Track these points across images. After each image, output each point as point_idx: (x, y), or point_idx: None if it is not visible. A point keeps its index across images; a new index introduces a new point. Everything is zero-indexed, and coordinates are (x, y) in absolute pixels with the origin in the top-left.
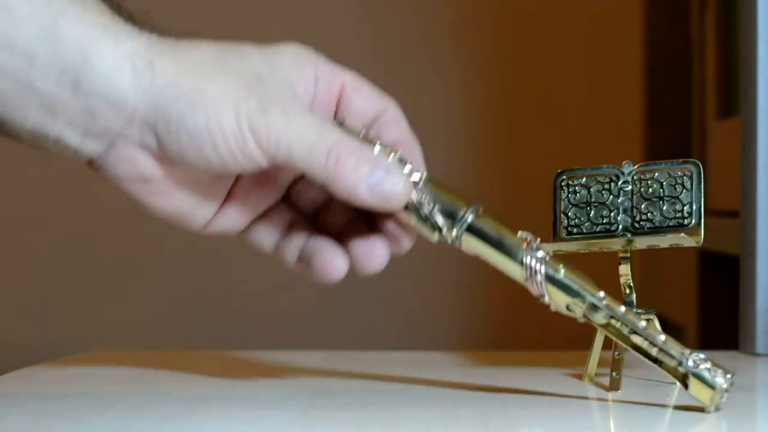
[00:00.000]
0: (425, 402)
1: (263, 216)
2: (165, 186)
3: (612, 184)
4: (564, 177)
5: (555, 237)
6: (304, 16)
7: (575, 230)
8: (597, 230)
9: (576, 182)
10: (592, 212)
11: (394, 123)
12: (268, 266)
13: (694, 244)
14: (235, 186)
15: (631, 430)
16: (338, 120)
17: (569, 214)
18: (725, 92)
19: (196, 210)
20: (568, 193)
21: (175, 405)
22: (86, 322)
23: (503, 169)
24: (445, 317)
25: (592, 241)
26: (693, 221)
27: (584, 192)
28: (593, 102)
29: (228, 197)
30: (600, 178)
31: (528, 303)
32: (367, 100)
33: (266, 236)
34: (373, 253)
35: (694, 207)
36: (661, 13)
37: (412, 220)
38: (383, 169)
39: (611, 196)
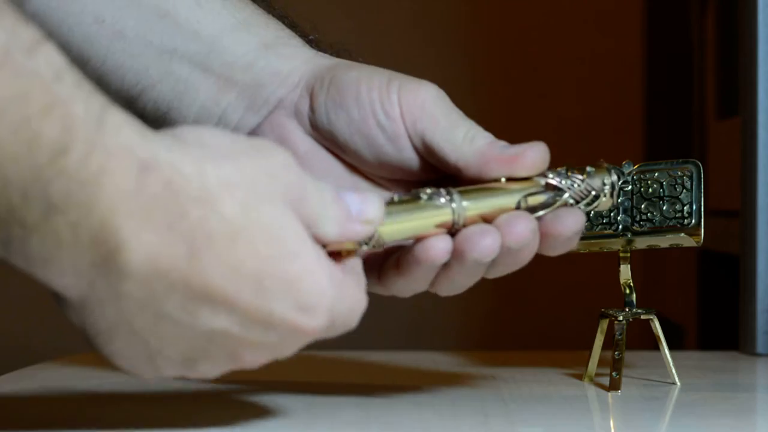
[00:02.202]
0: (425, 402)
1: None
2: (309, 168)
3: None
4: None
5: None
6: (304, 16)
7: None
8: (597, 230)
9: None
10: (592, 212)
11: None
12: None
13: (694, 244)
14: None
15: (631, 430)
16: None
17: None
18: (725, 92)
19: None
20: None
21: (175, 405)
22: None
23: None
24: (446, 317)
25: (592, 241)
26: (693, 221)
27: None
28: (593, 102)
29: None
30: None
31: (528, 303)
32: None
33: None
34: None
35: (694, 207)
36: (661, 13)
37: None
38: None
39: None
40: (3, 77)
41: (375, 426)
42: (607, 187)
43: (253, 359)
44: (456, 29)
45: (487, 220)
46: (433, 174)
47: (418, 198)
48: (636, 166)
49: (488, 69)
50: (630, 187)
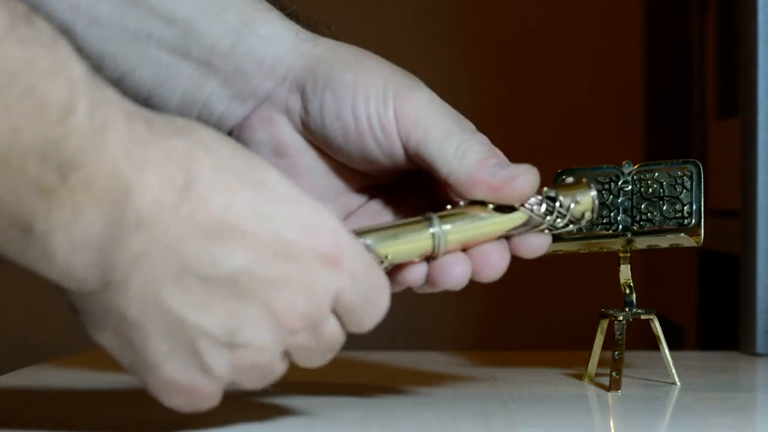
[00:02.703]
0: (425, 402)
1: None
2: (296, 167)
3: (612, 184)
4: (564, 177)
5: (555, 237)
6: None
7: (575, 230)
8: (597, 230)
9: None
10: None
11: None
12: None
13: (694, 244)
14: (355, 212)
15: (631, 430)
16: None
17: None
18: (725, 92)
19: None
20: None
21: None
22: None
23: None
24: (446, 317)
25: (592, 241)
26: (693, 221)
27: None
28: (593, 102)
29: (347, 219)
30: (600, 178)
31: (527, 303)
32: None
33: None
34: (491, 260)
35: (694, 207)
36: (661, 13)
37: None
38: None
39: (611, 196)
40: (9, 46)
41: (375, 426)
42: (585, 207)
43: (290, 305)
44: (456, 29)
45: (465, 247)
46: (421, 174)
47: (400, 225)
48: (636, 166)
49: (488, 69)
50: (630, 187)
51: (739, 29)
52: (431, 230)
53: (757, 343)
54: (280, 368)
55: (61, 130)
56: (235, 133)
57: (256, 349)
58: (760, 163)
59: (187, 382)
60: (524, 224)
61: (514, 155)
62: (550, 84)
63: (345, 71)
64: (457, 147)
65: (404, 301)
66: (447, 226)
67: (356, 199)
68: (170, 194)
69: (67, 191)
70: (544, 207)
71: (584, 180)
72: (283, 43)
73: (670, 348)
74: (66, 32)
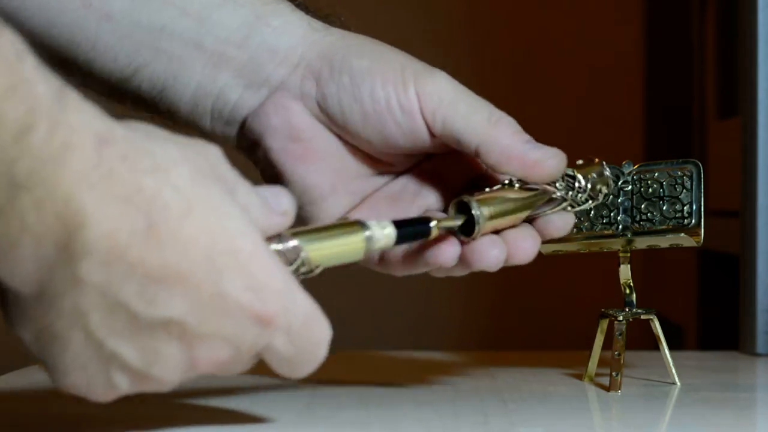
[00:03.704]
0: (425, 402)
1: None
2: (311, 151)
3: (612, 184)
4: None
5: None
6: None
7: (575, 230)
8: (597, 230)
9: None
10: (592, 212)
11: None
12: None
13: (694, 244)
14: (371, 196)
15: (631, 430)
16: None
17: None
18: (725, 92)
19: (330, 197)
20: None
21: (175, 405)
22: None
23: None
24: (446, 317)
25: (592, 241)
26: (693, 221)
27: None
28: (593, 101)
29: (362, 203)
30: None
31: (528, 303)
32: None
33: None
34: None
35: (694, 207)
36: (661, 13)
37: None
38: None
39: (611, 196)
40: None
41: (375, 426)
42: (602, 182)
43: (210, 356)
44: (456, 29)
45: (497, 228)
46: (442, 149)
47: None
48: (636, 166)
49: (488, 69)
50: (630, 187)
51: (739, 29)
52: (365, 234)
53: (757, 343)
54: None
55: (15, 150)
56: (250, 120)
57: (162, 383)
58: (760, 163)
59: (88, 391)
60: (548, 202)
61: None
62: (550, 84)
63: (361, 57)
64: (489, 117)
65: (406, 301)
66: (484, 209)
67: (371, 184)
68: (124, 235)
69: (15, 211)
70: (564, 184)
71: (596, 160)
72: (296, 33)
73: (670, 348)
74: (75, 46)
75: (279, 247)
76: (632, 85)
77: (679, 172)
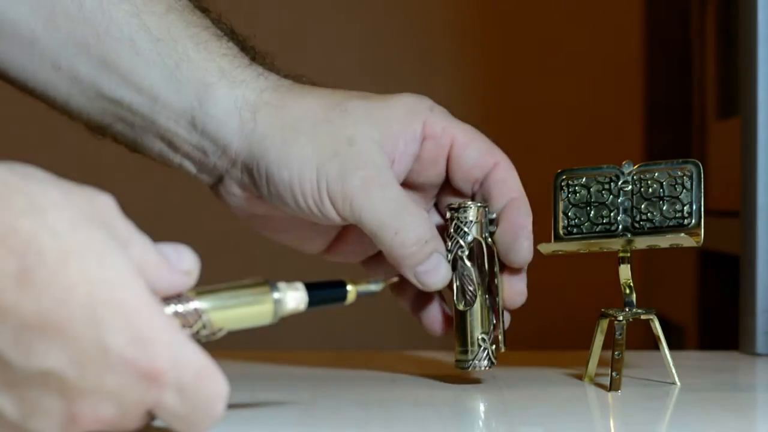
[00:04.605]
0: (425, 401)
1: (379, 255)
2: (271, 222)
3: (612, 184)
4: (564, 177)
5: (555, 237)
6: (301, 17)
7: (575, 230)
8: (597, 230)
9: (576, 182)
10: (592, 212)
11: (504, 181)
12: (269, 265)
13: (694, 244)
14: (348, 228)
15: (631, 430)
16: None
17: (569, 214)
18: (725, 92)
19: (310, 242)
20: (568, 193)
21: None
22: None
23: None
24: None
25: (592, 241)
26: (693, 221)
27: (584, 192)
28: (593, 102)
29: (341, 236)
30: (600, 178)
31: (528, 303)
32: (476, 157)
33: (382, 273)
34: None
35: (694, 207)
36: (661, 13)
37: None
38: (434, 261)
39: (611, 196)
40: None
41: (375, 426)
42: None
43: (93, 414)
44: (455, 29)
45: None
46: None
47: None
48: (636, 166)
49: (488, 70)
50: (630, 187)
51: (739, 29)
52: (274, 296)
53: (757, 343)
54: None
55: None
56: (214, 192)
57: None
58: (760, 163)
59: None
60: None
61: (515, 155)
62: (551, 84)
63: (282, 168)
64: (392, 239)
65: None
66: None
67: (335, 232)
68: None
69: None
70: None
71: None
72: (232, 125)
73: (670, 348)
74: (51, 102)
75: (179, 308)
76: (632, 85)
77: (679, 172)
